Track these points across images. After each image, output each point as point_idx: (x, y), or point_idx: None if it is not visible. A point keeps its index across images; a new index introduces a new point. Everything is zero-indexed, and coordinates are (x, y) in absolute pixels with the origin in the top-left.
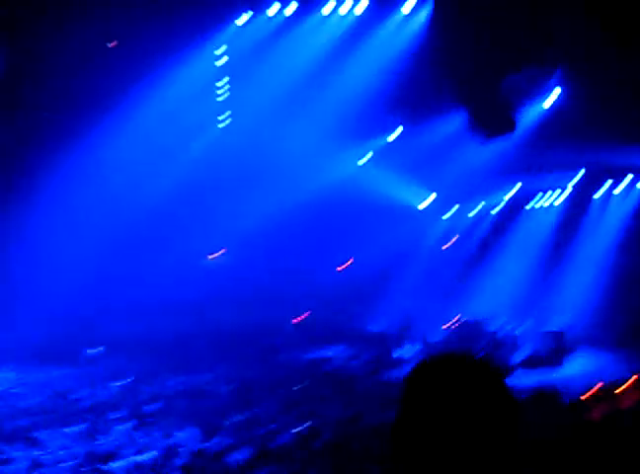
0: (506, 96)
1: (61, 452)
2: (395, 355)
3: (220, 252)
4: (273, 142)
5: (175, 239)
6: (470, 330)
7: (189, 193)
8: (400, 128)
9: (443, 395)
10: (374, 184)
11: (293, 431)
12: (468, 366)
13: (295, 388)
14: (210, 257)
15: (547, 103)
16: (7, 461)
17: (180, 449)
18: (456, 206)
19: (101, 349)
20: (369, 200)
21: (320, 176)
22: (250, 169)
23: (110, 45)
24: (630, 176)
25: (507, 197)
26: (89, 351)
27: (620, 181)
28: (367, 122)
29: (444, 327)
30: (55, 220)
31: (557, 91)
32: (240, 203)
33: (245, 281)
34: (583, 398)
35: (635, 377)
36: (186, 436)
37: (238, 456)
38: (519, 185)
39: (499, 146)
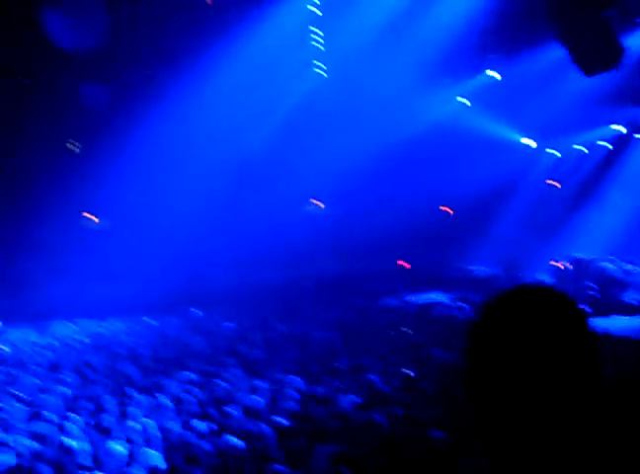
0: (608, 29)
1: (179, 396)
2: None
3: (320, 202)
4: (369, 84)
5: (277, 187)
6: (581, 268)
7: (289, 139)
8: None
9: (518, 332)
10: (475, 120)
11: (402, 374)
12: (544, 300)
13: (402, 332)
14: (311, 206)
15: None
16: (131, 404)
17: (290, 393)
18: (559, 140)
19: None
20: (471, 136)
21: (418, 115)
22: (347, 114)
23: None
24: None
25: (615, 128)
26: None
27: None
28: (464, 60)
29: (556, 264)
30: (155, 172)
31: None
32: (340, 147)
33: (346, 227)
34: None
35: None
36: (295, 381)
37: (347, 400)
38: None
39: (605, 76)
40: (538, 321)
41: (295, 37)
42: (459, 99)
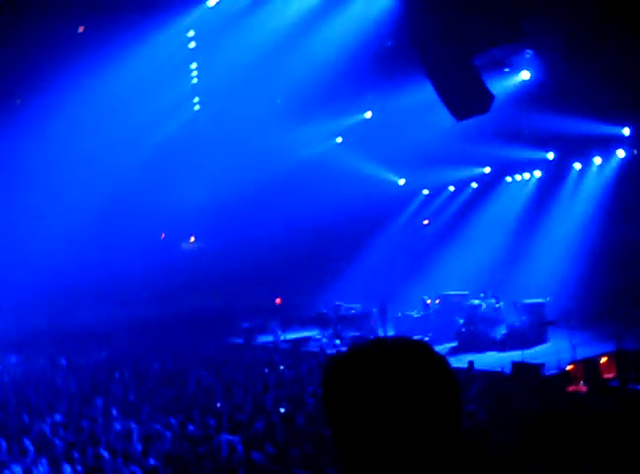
0: (476, 76)
1: (45, 438)
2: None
3: (192, 239)
4: (242, 118)
5: (149, 222)
6: (451, 304)
7: (161, 174)
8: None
9: (371, 386)
10: (347, 157)
11: (276, 411)
12: (400, 352)
13: (277, 369)
14: (187, 242)
15: (521, 76)
16: None
17: (162, 433)
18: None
19: None
20: (342, 173)
21: (291, 151)
22: (220, 148)
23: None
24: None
25: (484, 171)
26: None
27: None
28: (339, 98)
29: (427, 302)
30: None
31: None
32: (214, 181)
33: (222, 263)
34: (568, 369)
35: (609, 354)
36: (168, 421)
37: (221, 439)
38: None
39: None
40: (392, 375)
41: (169, 69)
42: (334, 137)
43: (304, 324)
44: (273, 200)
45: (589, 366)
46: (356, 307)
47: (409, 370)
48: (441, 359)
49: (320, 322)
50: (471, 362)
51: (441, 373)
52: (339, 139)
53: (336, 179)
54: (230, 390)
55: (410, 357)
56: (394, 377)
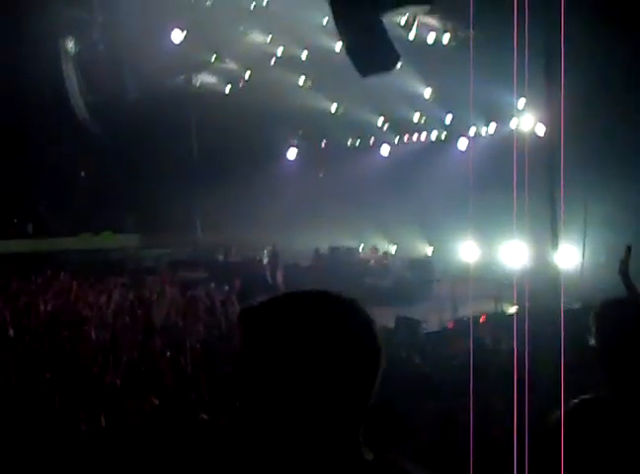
0: (385, 31)
1: None
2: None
3: None
4: None
5: None
6: (342, 257)
7: None
8: None
9: (286, 335)
10: None
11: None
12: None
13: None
14: None
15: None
16: None
17: None
18: None
19: None
20: None
21: None
22: None
23: None
24: None
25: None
26: None
27: None
28: None
29: (317, 252)
30: None
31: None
32: None
33: None
34: (449, 326)
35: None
36: None
37: None
38: None
39: None
40: (309, 327)
41: None
42: None
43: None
44: None
45: (467, 325)
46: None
47: (329, 325)
48: (368, 323)
49: (210, 268)
50: None
51: (363, 337)
52: None
53: None
54: None
55: (335, 311)
56: (311, 330)
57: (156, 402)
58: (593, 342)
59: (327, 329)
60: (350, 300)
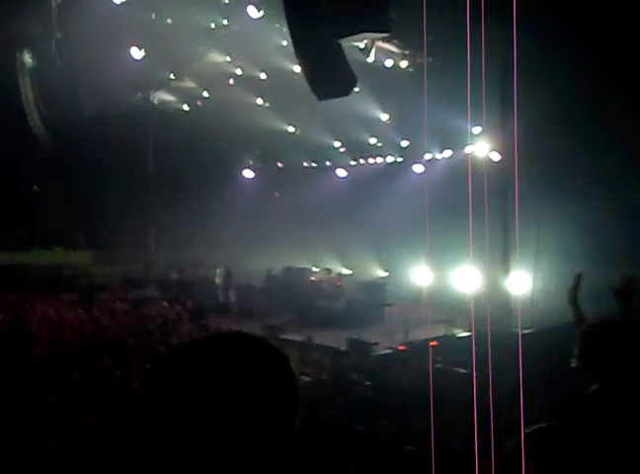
0: (343, 54)
1: None
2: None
3: None
4: None
5: None
6: (295, 278)
7: None
8: None
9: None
10: None
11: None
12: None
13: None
14: None
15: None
16: None
17: None
18: None
19: None
20: None
21: None
22: None
23: None
24: None
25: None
26: None
27: None
28: None
29: (270, 273)
30: None
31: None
32: None
33: None
34: (400, 348)
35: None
36: None
37: None
38: None
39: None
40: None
41: None
42: None
43: (143, 284)
44: None
45: (419, 348)
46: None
47: (244, 368)
48: (282, 361)
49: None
50: (310, 336)
51: (281, 378)
52: None
53: None
54: None
55: (247, 355)
56: (225, 375)
57: (96, 419)
58: (575, 361)
59: (243, 374)
60: (261, 341)
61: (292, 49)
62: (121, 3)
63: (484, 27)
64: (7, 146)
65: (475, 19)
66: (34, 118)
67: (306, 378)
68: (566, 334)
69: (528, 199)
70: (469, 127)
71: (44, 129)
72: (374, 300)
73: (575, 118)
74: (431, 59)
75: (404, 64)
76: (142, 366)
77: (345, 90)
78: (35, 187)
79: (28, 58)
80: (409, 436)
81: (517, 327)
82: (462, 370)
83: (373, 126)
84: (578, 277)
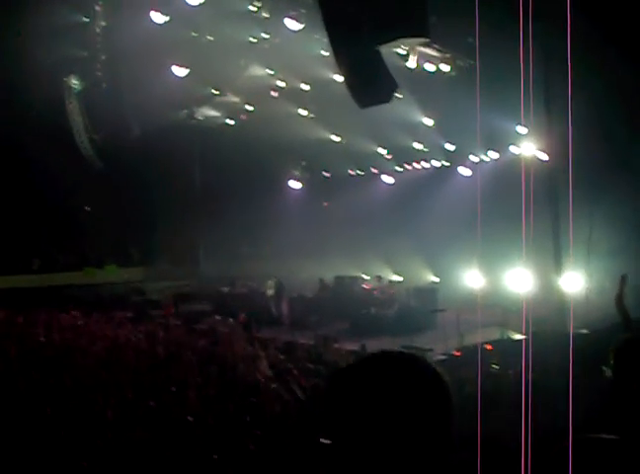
0: (381, 63)
1: None
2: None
3: None
4: None
5: None
6: (347, 287)
7: None
8: None
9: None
10: None
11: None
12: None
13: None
14: None
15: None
16: None
17: None
18: None
19: None
20: None
21: None
22: None
23: None
24: None
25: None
26: None
27: None
28: None
29: (321, 283)
30: None
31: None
32: None
33: None
34: (455, 354)
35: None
36: None
37: None
38: None
39: None
40: (390, 388)
41: None
42: None
43: (197, 300)
44: None
45: (474, 353)
46: (251, 285)
47: (406, 384)
48: (436, 375)
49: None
50: (363, 345)
51: (434, 389)
52: None
53: None
54: None
55: (408, 372)
56: (393, 391)
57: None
58: (609, 374)
59: (406, 392)
60: (419, 359)
61: (333, 59)
62: (163, 23)
63: (531, 26)
64: (58, 168)
65: (518, 19)
66: (82, 141)
67: None
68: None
69: (579, 199)
70: (515, 128)
71: (93, 151)
72: (426, 306)
73: (624, 118)
74: (472, 62)
75: (445, 68)
76: (195, 381)
77: (386, 97)
78: (86, 207)
79: (74, 82)
80: (462, 443)
81: (574, 327)
82: (519, 373)
83: (418, 131)
84: (623, 279)
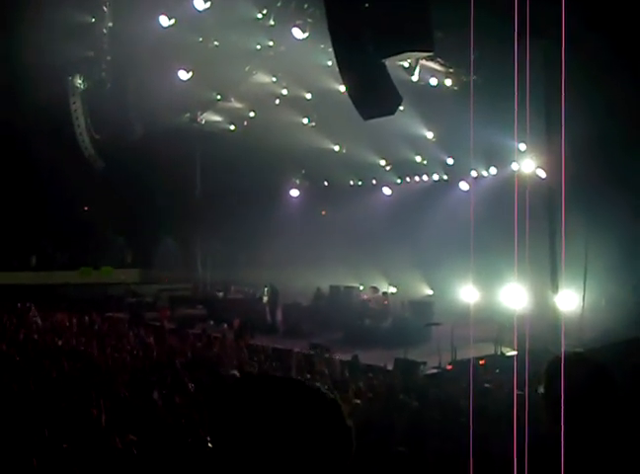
0: (385, 75)
1: None
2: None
3: None
4: None
5: None
6: (341, 297)
7: None
8: None
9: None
10: None
11: None
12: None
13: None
14: None
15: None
16: None
17: None
18: None
19: None
20: None
21: None
22: None
23: None
24: None
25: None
26: None
27: None
28: None
29: (316, 292)
30: None
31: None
32: None
33: None
34: (448, 368)
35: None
36: None
37: None
38: None
39: None
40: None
41: None
42: None
43: (192, 304)
44: None
45: (466, 368)
46: (246, 291)
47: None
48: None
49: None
50: (355, 356)
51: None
52: None
53: None
54: None
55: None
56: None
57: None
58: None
59: (295, 420)
60: (310, 387)
61: (337, 70)
62: (169, 26)
63: (528, 44)
64: (58, 168)
65: (520, 37)
66: (84, 141)
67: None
68: (616, 352)
69: (576, 217)
70: (515, 145)
71: (95, 151)
72: (420, 319)
73: (623, 136)
74: (475, 77)
75: (448, 82)
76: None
77: (390, 109)
78: (84, 207)
79: (79, 82)
80: (457, 458)
81: (567, 345)
82: (511, 389)
83: (419, 144)
84: None
